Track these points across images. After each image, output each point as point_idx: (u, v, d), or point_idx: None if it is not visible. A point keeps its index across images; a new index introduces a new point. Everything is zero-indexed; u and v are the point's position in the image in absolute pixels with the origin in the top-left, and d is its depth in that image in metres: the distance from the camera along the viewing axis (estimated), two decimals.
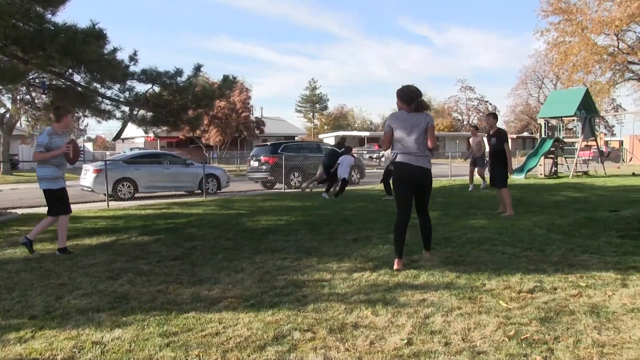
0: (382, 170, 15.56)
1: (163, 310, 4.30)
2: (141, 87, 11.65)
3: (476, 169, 16.56)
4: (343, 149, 15.51)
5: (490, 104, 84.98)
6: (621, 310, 4.15)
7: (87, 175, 16.00)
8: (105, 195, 14.37)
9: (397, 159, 5.81)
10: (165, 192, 16.96)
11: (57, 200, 7.05)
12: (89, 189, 15.92)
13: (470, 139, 17.10)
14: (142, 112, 12.35)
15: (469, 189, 16.00)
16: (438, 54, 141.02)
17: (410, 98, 5.79)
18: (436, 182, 17.76)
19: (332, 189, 14.81)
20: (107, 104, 12.24)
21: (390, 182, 11.36)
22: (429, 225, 6.09)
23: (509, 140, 10.03)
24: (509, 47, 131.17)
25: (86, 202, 14.94)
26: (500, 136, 9.90)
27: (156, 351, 3.44)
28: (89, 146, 63.09)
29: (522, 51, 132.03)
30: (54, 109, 7.43)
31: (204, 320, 4.05)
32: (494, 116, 10.50)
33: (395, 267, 5.62)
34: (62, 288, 5.14)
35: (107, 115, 12.43)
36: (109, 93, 11.65)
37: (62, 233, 7.05)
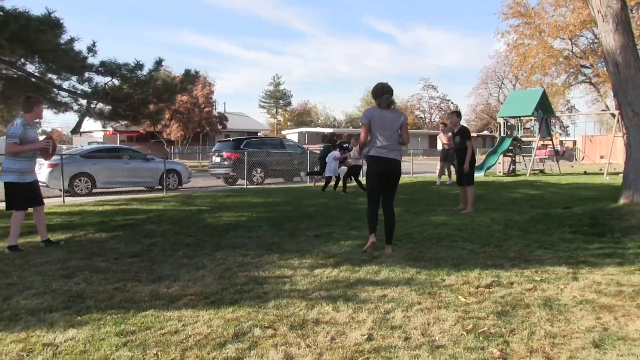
0: (345, 168, 15.75)
1: (120, 309, 4.22)
2: (100, 80, 11.38)
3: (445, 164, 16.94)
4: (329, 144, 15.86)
5: (452, 102, 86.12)
6: (572, 302, 4.27)
7: (42, 170, 15.47)
8: (60, 190, 14.04)
9: (370, 153, 6.21)
10: (125, 187, 16.65)
11: (21, 195, 6.80)
12: (43, 184, 15.45)
13: (441, 136, 17.31)
14: (100, 105, 12.06)
15: (437, 184, 16.53)
16: (402, 52, 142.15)
17: (375, 94, 6.31)
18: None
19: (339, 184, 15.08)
20: (63, 96, 11.90)
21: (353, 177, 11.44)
22: (393, 220, 6.36)
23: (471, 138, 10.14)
24: (471, 47, 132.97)
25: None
26: (463, 134, 10.00)
27: (112, 351, 3.36)
28: None
29: (484, 52, 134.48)
30: (24, 99, 7.14)
31: (162, 318, 3.98)
32: (457, 114, 10.59)
33: (370, 240, 6.06)
34: (11, 288, 4.95)
35: (63, 107, 12.09)
36: (65, 85, 11.32)
37: (16, 229, 6.82)
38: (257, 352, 3.33)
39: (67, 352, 3.37)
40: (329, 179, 15.42)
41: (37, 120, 7.13)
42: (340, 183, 15.00)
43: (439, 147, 16.95)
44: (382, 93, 6.24)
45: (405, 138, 6.29)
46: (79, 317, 4.02)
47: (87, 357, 3.28)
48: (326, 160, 15.80)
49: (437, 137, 17.47)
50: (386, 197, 6.32)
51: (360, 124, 6.33)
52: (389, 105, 6.25)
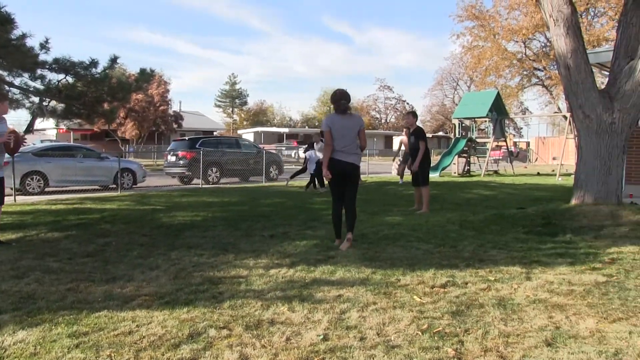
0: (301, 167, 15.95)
1: (73, 310, 4.12)
2: (53, 77, 11.11)
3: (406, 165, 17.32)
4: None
5: (408, 103, 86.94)
6: (525, 302, 4.35)
7: None
8: (12, 189, 13.66)
9: (332, 156, 6.56)
10: (78, 186, 16.31)
11: None
12: None
13: (403, 138, 17.57)
14: (53, 103, 11.79)
15: (400, 183, 17.20)
16: (358, 53, 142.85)
17: (333, 100, 6.71)
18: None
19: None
20: (14, 93, 11.59)
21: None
22: (354, 217, 6.80)
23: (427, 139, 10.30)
24: (426, 48, 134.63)
25: None
26: (418, 134, 10.12)
27: (64, 353, 3.29)
28: None
29: (439, 53, 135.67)
30: None
31: (116, 319, 3.91)
32: (413, 115, 10.70)
33: (335, 243, 6.69)
34: None
35: (14, 104, 11.76)
36: (17, 81, 11.02)
37: None
38: (212, 353, 3.30)
39: (16, 355, 3.27)
40: (312, 177, 15.71)
41: (3, 114, 6.94)
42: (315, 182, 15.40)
43: (395, 147, 17.38)
44: (340, 99, 6.60)
45: (363, 143, 6.72)
46: (29, 319, 3.91)
47: None
48: (307, 158, 16.00)
49: (400, 140, 17.85)
50: (347, 197, 6.73)
51: (323, 130, 6.73)
52: (344, 111, 6.60)
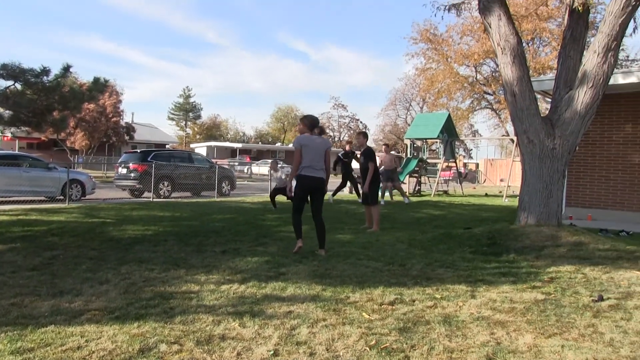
0: (253, 184, 16.02)
1: (17, 325, 4.06)
2: (1, 83, 10.87)
3: (393, 184, 17.74)
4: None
5: (361, 122, 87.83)
6: (469, 318, 4.51)
7: None
8: None
9: (301, 172, 7.43)
10: (23, 197, 15.90)
11: None
12: None
13: (381, 155, 18.04)
14: (0, 109, 11.52)
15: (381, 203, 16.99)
16: (314, 70, 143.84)
17: (312, 125, 7.64)
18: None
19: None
20: None
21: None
22: (323, 228, 7.57)
23: (377, 159, 10.49)
24: (380, 68, 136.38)
25: None
26: (367, 155, 10.30)
27: None
28: None
29: (393, 73, 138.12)
30: None
31: (64, 334, 3.88)
32: (364, 135, 10.90)
33: (297, 244, 7.43)
34: None
35: None
36: None
37: None
38: None
39: None
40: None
41: None
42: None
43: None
44: (316, 125, 7.68)
45: (327, 164, 7.61)
46: None
47: None
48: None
49: (378, 157, 18.20)
50: (315, 208, 7.62)
51: (294, 147, 7.52)
52: (320, 134, 7.75)
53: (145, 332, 3.95)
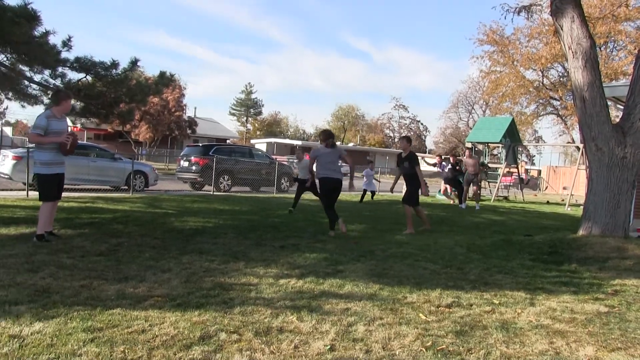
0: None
1: (87, 306, 4.23)
2: (74, 76, 11.27)
3: (471, 188, 17.86)
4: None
5: (422, 124, 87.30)
6: (527, 326, 4.43)
7: (6, 162, 15.25)
8: (24, 184, 13.83)
9: (321, 175, 9.12)
10: (90, 185, 16.47)
11: (45, 186, 7.05)
12: (6, 177, 15.19)
13: (465, 159, 18.31)
14: (72, 101, 11.95)
15: (461, 207, 17.44)
16: (375, 70, 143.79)
17: (326, 137, 9.34)
18: (365, 197, 18.10)
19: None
20: (34, 89, 11.77)
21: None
22: (335, 216, 9.16)
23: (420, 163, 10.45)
24: (443, 70, 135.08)
25: (2, 190, 14.32)
26: (411, 160, 10.24)
27: (80, 346, 3.40)
28: (8, 131, 60.39)
29: (455, 76, 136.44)
30: (53, 93, 7.25)
31: (129, 317, 4.02)
32: (407, 139, 10.70)
33: (331, 233, 9.01)
34: None
35: (33, 100, 11.90)
36: (37, 77, 11.18)
37: (43, 219, 7.01)
38: (222, 356, 3.40)
39: (33, 344, 3.39)
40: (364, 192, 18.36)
41: (65, 112, 7.26)
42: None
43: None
44: (329, 137, 9.34)
45: (346, 160, 9.46)
46: (45, 311, 4.02)
47: (54, 351, 3.30)
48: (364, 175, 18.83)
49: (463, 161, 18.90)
50: (334, 202, 9.27)
51: (310, 158, 9.44)
52: (333, 146, 9.34)
53: (205, 320, 4.05)
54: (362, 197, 18.24)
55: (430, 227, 10.39)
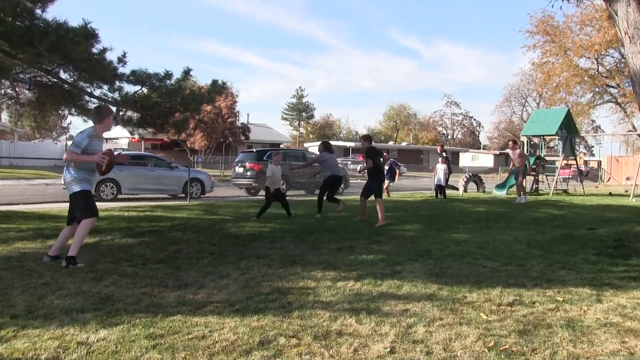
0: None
1: (149, 313, 4.31)
2: (130, 88, 11.63)
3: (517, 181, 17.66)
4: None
5: (475, 119, 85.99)
6: (595, 324, 4.27)
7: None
8: None
9: (330, 174, 12.01)
10: (149, 194, 16.88)
11: (91, 200, 6.47)
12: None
13: (510, 152, 18.06)
14: (129, 112, 12.31)
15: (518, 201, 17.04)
16: (425, 68, 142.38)
17: (326, 147, 12.42)
18: (418, 195, 17.92)
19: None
20: (94, 103, 12.16)
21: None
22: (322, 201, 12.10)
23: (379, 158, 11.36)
24: (494, 64, 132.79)
25: (66, 202, 14.76)
26: (367, 155, 11.07)
27: (142, 353, 3.46)
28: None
29: (507, 69, 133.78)
30: (95, 109, 6.86)
31: (190, 323, 4.07)
32: (364, 138, 11.74)
33: (339, 208, 12.00)
34: (45, 288, 5.10)
35: None
36: (97, 92, 11.59)
37: (78, 240, 6.25)
38: None
39: (99, 351, 3.47)
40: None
41: (107, 131, 6.89)
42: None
43: (461, 164, 17.44)
44: (329, 147, 12.49)
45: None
46: (109, 319, 4.13)
47: (119, 358, 3.38)
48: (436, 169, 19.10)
49: (508, 154, 18.73)
50: (334, 192, 12.28)
51: (317, 162, 12.76)
52: (333, 151, 12.61)
53: (264, 325, 4.06)
54: (437, 193, 18.55)
55: (364, 219, 10.95)
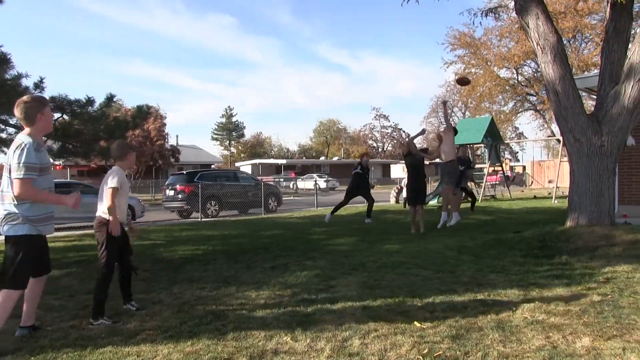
0: (299, 199, 16.16)
1: (77, 347, 4.16)
2: None
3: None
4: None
5: (404, 131, 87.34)
6: (523, 323, 4.44)
7: None
8: None
9: None
10: (77, 222, 16.31)
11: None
12: None
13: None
14: (49, 142, 11.87)
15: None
16: (355, 82, 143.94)
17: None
18: (352, 209, 18.08)
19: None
20: (10, 133, 11.68)
21: None
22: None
23: None
24: (421, 76, 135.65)
25: None
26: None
27: None
28: None
29: (435, 80, 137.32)
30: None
31: (121, 354, 3.96)
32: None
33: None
34: None
35: (9, 144, 11.83)
36: (12, 121, 11.11)
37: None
38: None
39: None
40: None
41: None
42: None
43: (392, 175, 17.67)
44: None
45: None
46: (32, 358, 3.95)
47: None
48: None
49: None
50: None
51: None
52: None
53: (198, 349, 4.00)
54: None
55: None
